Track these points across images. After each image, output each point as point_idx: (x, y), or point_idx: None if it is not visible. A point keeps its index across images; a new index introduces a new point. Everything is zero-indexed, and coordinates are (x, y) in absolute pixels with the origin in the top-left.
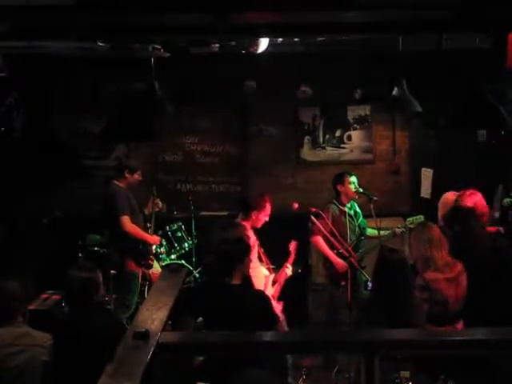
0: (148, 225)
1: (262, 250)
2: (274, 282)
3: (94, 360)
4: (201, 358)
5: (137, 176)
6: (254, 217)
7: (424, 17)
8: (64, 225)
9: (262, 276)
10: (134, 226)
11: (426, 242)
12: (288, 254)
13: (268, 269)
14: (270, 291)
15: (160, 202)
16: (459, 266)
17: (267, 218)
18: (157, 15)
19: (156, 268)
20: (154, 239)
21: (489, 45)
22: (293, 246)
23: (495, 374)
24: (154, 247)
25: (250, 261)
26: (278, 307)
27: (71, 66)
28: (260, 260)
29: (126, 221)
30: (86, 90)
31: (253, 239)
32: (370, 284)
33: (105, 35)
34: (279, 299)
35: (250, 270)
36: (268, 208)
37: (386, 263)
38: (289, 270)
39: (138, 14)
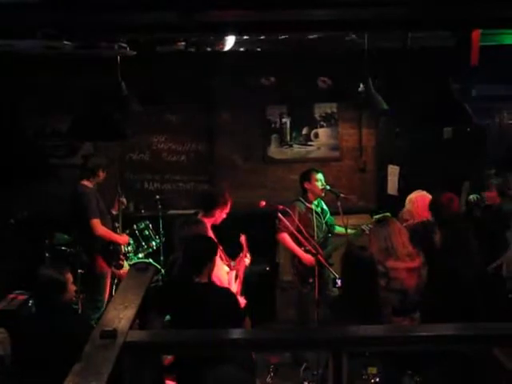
0: (116, 224)
1: (221, 247)
2: (236, 278)
3: (59, 359)
4: (169, 357)
5: (101, 173)
6: (216, 214)
7: (389, 15)
8: (31, 224)
9: (224, 273)
10: (104, 228)
11: (387, 233)
12: (241, 247)
13: (228, 265)
14: (234, 287)
15: (125, 200)
16: (421, 258)
17: (225, 215)
18: (122, 13)
19: (125, 267)
20: (123, 239)
21: (453, 43)
22: (243, 238)
23: (462, 369)
24: (122, 247)
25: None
26: (242, 302)
27: (37, 64)
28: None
29: (97, 224)
30: (53, 89)
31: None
32: (338, 281)
33: (70, 34)
34: (242, 293)
35: (216, 268)
36: (229, 204)
37: (354, 260)
38: (247, 258)
39: (103, 13)
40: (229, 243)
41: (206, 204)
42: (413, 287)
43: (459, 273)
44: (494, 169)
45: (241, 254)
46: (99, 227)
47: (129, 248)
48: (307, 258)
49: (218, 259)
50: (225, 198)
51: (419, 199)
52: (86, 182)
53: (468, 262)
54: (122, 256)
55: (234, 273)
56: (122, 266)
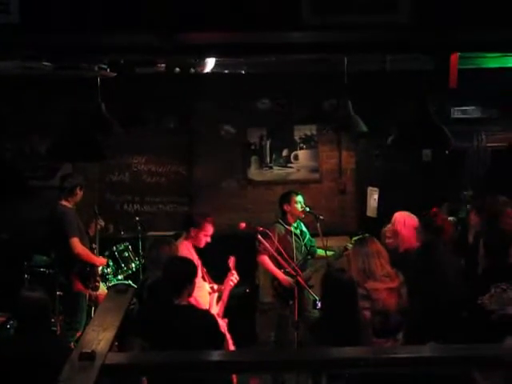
0: (93, 246)
1: (205, 269)
2: (218, 300)
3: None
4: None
5: (78, 192)
6: (192, 234)
7: (369, 37)
8: (10, 246)
9: (206, 295)
10: (83, 248)
11: (365, 254)
12: (224, 269)
13: (211, 288)
14: (215, 310)
15: (102, 222)
16: (400, 278)
17: (208, 239)
18: (103, 35)
19: (102, 289)
20: (100, 261)
21: (432, 66)
22: (232, 261)
23: None
24: (100, 268)
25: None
26: (223, 325)
27: (17, 85)
28: (203, 279)
29: (77, 243)
30: (33, 110)
31: (195, 258)
32: (318, 303)
33: (50, 55)
34: (224, 315)
35: (197, 289)
36: (208, 228)
37: (334, 282)
38: (234, 276)
39: (83, 34)
40: (211, 265)
41: (184, 224)
42: (393, 307)
43: (436, 295)
44: (470, 190)
45: (228, 274)
46: (78, 246)
47: (108, 270)
48: (287, 280)
49: (199, 280)
50: (203, 219)
51: (406, 220)
52: (64, 202)
53: (446, 284)
54: (98, 278)
55: (215, 295)
56: (97, 288)
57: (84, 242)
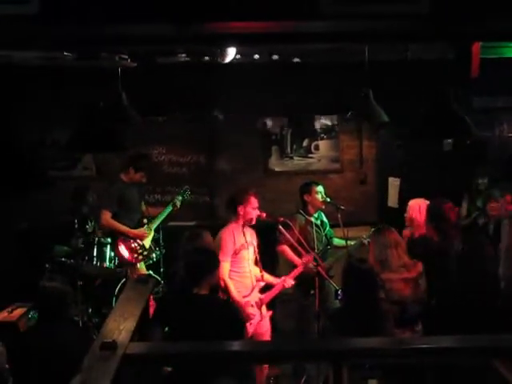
0: (145, 221)
1: (259, 256)
2: (262, 290)
3: (62, 373)
4: (169, 369)
5: (131, 171)
6: (241, 212)
7: (389, 27)
8: (31, 236)
9: (249, 281)
10: (110, 221)
11: (382, 245)
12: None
13: (261, 276)
14: (254, 297)
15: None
16: (419, 268)
17: (257, 211)
18: (122, 25)
19: (143, 268)
20: (134, 232)
21: (454, 55)
22: (305, 259)
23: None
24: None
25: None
26: (267, 314)
27: (37, 75)
28: (255, 264)
29: (104, 215)
30: (53, 100)
31: (250, 240)
32: (340, 293)
33: (69, 45)
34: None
35: (238, 274)
36: (253, 200)
37: (355, 273)
38: (289, 280)
39: (102, 24)
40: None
41: (229, 206)
42: (410, 298)
43: (464, 282)
44: (486, 178)
45: (290, 273)
46: (104, 218)
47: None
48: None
49: (249, 264)
50: (245, 193)
51: (421, 207)
52: (122, 175)
53: (474, 271)
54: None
55: (261, 284)
56: (138, 256)
57: (130, 217)
